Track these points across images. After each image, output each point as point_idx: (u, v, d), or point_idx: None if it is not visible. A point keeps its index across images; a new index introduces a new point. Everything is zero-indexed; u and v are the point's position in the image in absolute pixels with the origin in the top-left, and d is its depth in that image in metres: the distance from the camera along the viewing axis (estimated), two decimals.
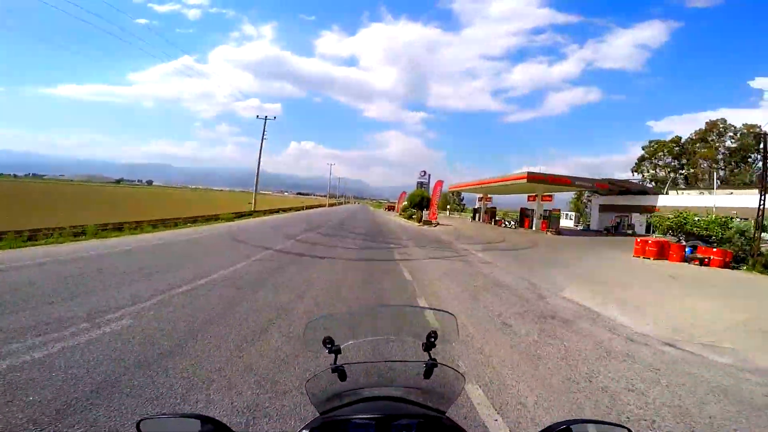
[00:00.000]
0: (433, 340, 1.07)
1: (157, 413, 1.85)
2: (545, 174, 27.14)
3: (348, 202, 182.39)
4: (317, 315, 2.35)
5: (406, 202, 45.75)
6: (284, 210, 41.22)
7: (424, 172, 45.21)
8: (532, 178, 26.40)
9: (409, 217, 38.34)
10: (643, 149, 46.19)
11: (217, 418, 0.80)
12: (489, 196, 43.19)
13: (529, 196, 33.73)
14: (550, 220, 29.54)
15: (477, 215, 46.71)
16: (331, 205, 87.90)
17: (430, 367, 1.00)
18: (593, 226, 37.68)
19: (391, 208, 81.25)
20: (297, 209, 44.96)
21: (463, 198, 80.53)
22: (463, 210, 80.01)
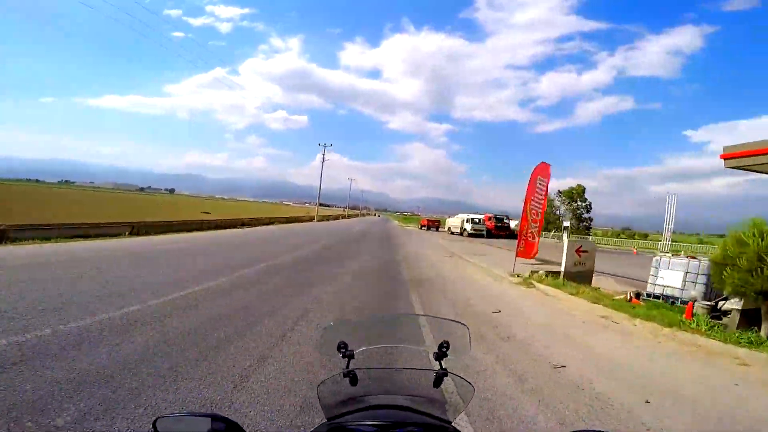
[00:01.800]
0: (444, 350, 1.08)
1: (172, 412, 1.65)
2: None
3: (368, 214, 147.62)
4: (333, 320, 2.36)
5: None
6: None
7: None
8: None
9: None
10: None
11: (231, 418, 0.79)
12: None
13: None
14: None
15: None
16: (323, 218, 52.44)
17: (440, 376, 1.01)
18: None
19: (432, 224, 44.92)
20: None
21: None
22: (587, 229, 42.63)
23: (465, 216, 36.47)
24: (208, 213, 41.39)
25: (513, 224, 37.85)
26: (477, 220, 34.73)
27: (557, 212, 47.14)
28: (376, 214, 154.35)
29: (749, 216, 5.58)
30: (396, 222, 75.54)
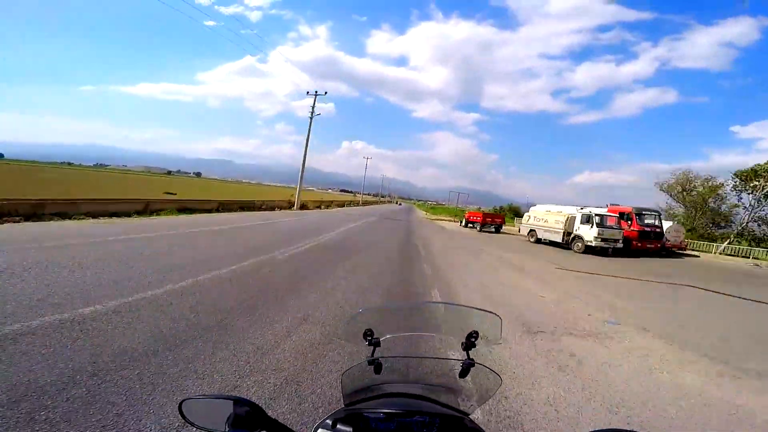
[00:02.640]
0: (473, 340, 1.03)
1: (197, 394, 1.64)
2: None
3: (390, 202, 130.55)
4: (360, 308, 1.81)
5: None
6: None
7: None
8: None
9: None
10: None
11: (253, 401, 0.79)
12: None
13: None
14: None
15: None
16: (319, 205, 35.60)
17: (467, 366, 0.98)
18: None
19: (490, 221, 26.65)
20: None
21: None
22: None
23: (567, 210, 18.32)
24: (173, 194, 26.92)
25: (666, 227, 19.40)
26: (601, 219, 16.48)
27: (734, 212, 26.40)
28: (398, 202, 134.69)
29: None
30: (422, 213, 57.56)
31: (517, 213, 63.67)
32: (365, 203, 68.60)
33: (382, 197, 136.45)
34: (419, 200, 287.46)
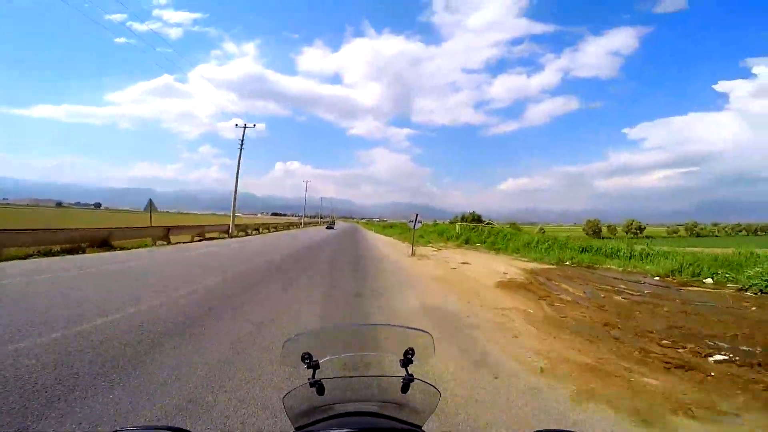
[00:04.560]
0: (410, 356, 1.06)
1: (131, 425, 1.59)
2: None
3: (319, 223, 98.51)
4: (296, 333, 1.61)
5: None
6: None
7: None
8: None
9: None
10: None
11: (190, 431, 0.76)
12: None
13: None
14: None
15: None
16: None
17: (407, 382, 1.00)
18: None
19: None
20: None
21: None
22: None
23: None
24: None
25: None
26: None
27: None
28: (330, 224, 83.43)
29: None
30: (402, 245, 28.32)
31: (478, 220, 42.61)
32: (262, 227, 37.17)
33: (317, 217, 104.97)
34: (362, 218, 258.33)
